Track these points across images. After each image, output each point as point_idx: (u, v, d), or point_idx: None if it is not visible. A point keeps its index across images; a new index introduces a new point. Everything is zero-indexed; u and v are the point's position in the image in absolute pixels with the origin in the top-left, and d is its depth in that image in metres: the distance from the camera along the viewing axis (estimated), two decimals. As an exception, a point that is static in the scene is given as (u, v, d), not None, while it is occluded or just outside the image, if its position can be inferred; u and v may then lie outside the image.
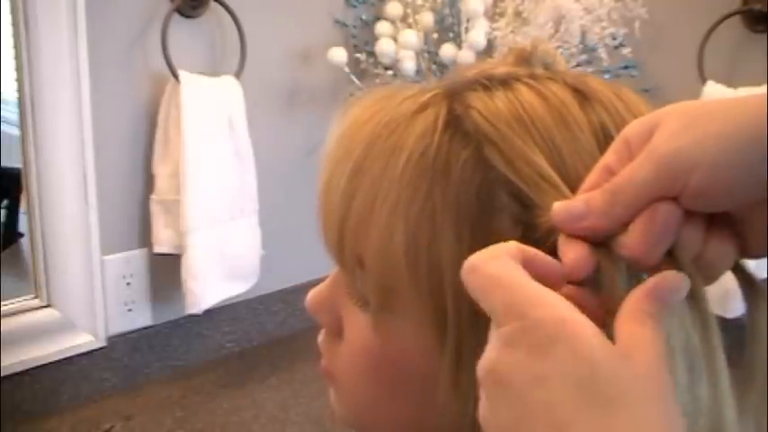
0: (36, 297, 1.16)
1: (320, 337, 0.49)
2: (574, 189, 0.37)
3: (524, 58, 0.45)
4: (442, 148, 0.39)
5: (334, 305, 0.46)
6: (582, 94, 0.41)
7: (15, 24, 1.06)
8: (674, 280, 0.33)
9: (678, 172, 0.32)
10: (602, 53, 1.32)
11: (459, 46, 1.35)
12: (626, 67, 1.34)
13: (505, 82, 0.42)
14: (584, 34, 1.31)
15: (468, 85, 0.42)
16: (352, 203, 0.42)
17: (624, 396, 0.30)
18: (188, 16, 1.24)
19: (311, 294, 0.48)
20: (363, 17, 1.44)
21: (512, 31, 1.34)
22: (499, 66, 0.44)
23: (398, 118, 0.41)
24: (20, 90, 1.09)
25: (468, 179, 0.39)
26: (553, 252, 0.36)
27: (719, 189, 0.33)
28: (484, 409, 0.33)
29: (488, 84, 0.42)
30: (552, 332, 0.31)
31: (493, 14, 1.38)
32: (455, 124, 0.40)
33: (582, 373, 0.31)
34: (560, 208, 0.36)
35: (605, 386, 0.30)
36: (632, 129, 0.36)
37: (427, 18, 1.36)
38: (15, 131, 1.12)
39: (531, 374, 0.31)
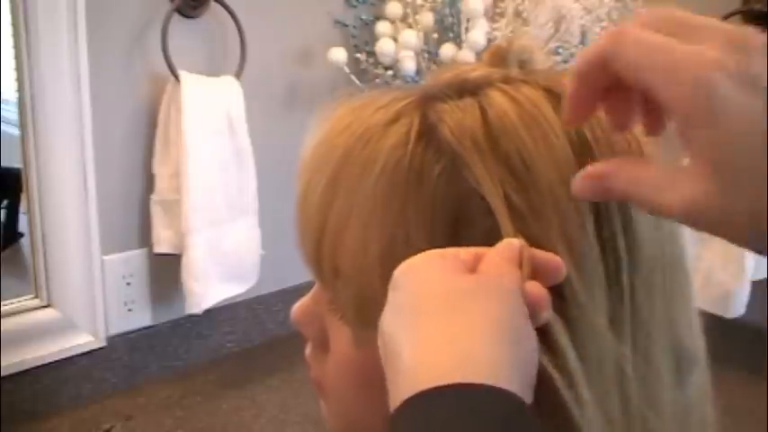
0: (36, 297, 1.16)
1: (307, 350, 0.48)
2: (545, 199, 0.38)
3: (500, 56, 0.44)
4: (415, 160, 0.39)
5: (318, 318, 0.46)
6: (556, 96, 0.40)
7: (15, 24, 1.06)
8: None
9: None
10: (602, 53, 1.32)
11: (459, 46, 1.35)
12: (626, 67, 1.34)
13: (479, 87, 0.41)
14: (584, 34, 1.32)
15: (442, 92, 0.42)
16: (327, 216, 0.42)
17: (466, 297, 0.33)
18: (188, 16, 1.24)
19: (295, 307, 0.48)
20: (363, 17, 1.44)
21: (512, 31, 1.34)
22: (474, 68, 0.44)
23: (372, 128, 0.41)
24: (20, 90, 1.09)
25: (441, 191, 0.39)
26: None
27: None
28: None
29: (461, 90, 0.41)
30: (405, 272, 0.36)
31: (493, 14, 1.38)
32: (428, 135, 0.40)
33: (416, 292, 0.34)
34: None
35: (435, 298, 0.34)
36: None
37: (427, 18, 1.36)
38: (15, 131, 1.12)
39: (389, 314, 0.35)
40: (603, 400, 0.37)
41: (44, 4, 1.05)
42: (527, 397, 0.31)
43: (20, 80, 1.08)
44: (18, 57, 1.07)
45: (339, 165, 0.41)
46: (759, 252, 0.32)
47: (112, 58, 1.17)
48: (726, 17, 1.26)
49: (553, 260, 0.36)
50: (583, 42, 1.32)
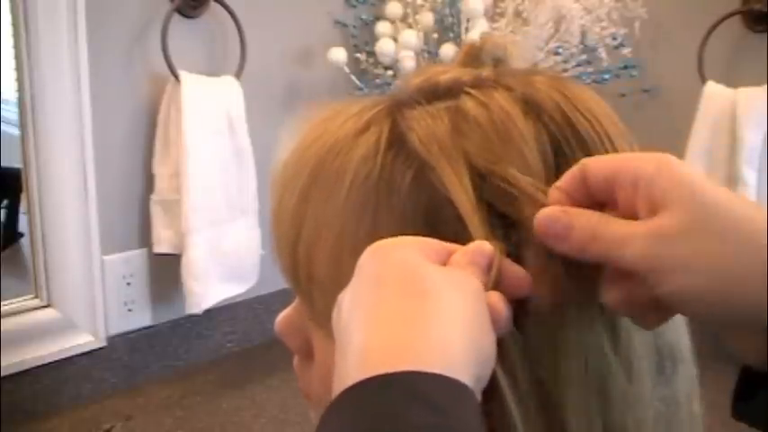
0: (36, 297, 1.16)
1: (294, 361, 0.48)
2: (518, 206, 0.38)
3: (474, 54, 0.44)
4: (384, 170, 0.39)
5: (301, 328, 0.46)
6: (526, 101, 0.40)
7: (15, 24, 1.06)
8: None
9: (661, 274, 0.33)
10: (602, 53, 1.32)
11: (459, 46, 1.35)
12: (626, 67, 1.35)
13: (449, 92, 0.41)
14: (584, 34, 1.32)
15: (412, 98, 0.41)
16: (301, 228, 0.41)
17: (435, 290, 0.33)
18: (188, 16, 1.24)
19: (279, 319, 0.48)
20: (363, 17, 1.44)
21: (512, 31, 1.34)
22: (446, 70, 0.43)
23: (342, 140, 0.41)
24: (20, 90, 1.09)
25: (413, 200, 0.38)
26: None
27: (685, 308, 0.34)
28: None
29: (431, 96, 0.41)
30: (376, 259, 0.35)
31: (493, 14, 1.38)
32: (398, 143, 0.40)
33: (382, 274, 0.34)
34: (544, 219, 0.36)
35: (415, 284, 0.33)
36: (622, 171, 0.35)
37: (427, 18, 1.36)
38: (15, 131, 1.12)
39: (350, 291, 0.35)
40: (585, 403, 0.37)
41: (44, 4, 1.05)
42: (477, 394, 0.31)
43: (20, 80, 1.08)
44: (18, 57, 1.07)
45: (311, 177, 0.41)
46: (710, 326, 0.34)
47: (112, 58, 1.17)
48: (726, 17, 1.26)
49: (519, 273, 0.36)
50: (583, 42, 1.33)
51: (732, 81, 1.25)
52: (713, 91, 1.25)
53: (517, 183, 0.37)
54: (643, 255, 0.33)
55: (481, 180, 0.38)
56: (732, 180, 1.22)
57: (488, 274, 0.35)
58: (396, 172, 0.39)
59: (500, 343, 0.34)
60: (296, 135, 0.44)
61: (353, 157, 0.40)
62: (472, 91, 0.40)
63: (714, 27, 1.27)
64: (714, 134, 1.23)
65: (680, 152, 1.25)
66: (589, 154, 0.38)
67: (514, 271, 0.36)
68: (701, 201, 0.33)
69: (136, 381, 1.26)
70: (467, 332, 0.32)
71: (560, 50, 1.33)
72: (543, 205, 0.36)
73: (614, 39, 1.32)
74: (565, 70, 1.33)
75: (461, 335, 0.32)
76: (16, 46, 1.07)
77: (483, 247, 0.35)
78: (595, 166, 0.36)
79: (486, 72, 0.42)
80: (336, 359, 0.33)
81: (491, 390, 0.34)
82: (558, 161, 0.38)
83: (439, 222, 0.38)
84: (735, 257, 0.32)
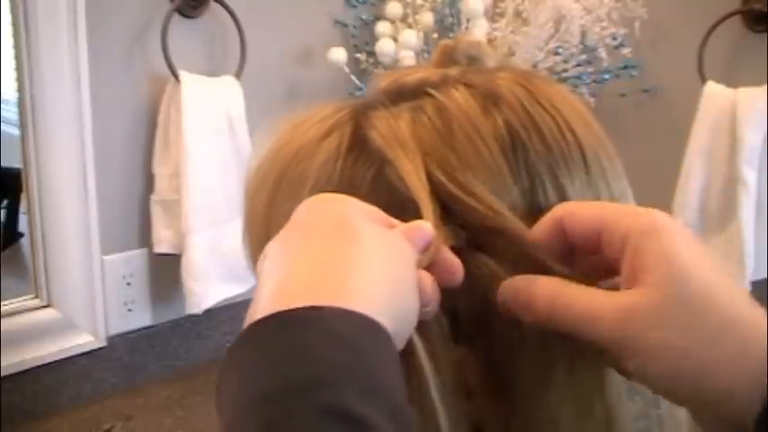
0: (36, 297, 1.16)
1: None
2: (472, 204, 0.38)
3: (448, 54, 0.44)
4: (345, 173, 0.39)
5: None
6: (487, 97, 0.40)
7: (15, 24, 1.06)
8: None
9: (629, 353, 0.33)
10: (602, 53, 1.32)
11: (459, 46, 1.35)
12: (626, 67, 1.35)
13: (413, 93, 0.41)
14: (584, 34, 1.32)
15: (377, 99, 0.42)
16: (269, 234, 0.42)
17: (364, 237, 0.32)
18: (188, 16, 1.24)
19: None
20: (363, 17, 1.44)
21: (512, 31, 1.34)
22: (415, 71, 0.44)
23: (306, 145, 0.41)
24: (20, 90, 1.09)
25: (374, 199, 0.38)
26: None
27: (651, 386, 0.34)
28: None
29: (396, 97, 0.41)
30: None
31: (493, 14, 1.38)
32: (360, 145, 0.40)
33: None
34: (507, 289, 0.36)
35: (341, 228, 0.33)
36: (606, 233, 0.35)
37: (427, 18, 1.36)
38: (15, 131, 1.12)
39: (281, 234, 0.34)
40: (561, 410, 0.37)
41: (44, 4, 1.05)
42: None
43: (20, 80, 1.08)
44: (18, 57, 1.07)
45: (276, 183, 0.42)
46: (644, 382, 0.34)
47: (112, 58, 1.17)
48: (726, 17, 1.26)
49: (454, 262, 0.36)
50: (583, 42, 1.33)
51: (732, 81, 1.25)
52: (713, 91, 1.25)
53: (470, 190, 0.37)
54: (612, 335, 0.33)
55: (438, 178, 0.38)
56: (732, 180, 1.22)
57: (423, 254, 0.35)
58: (356, 174, 0.39)
59: (425, 324, 0.34)
60: (266, 141, 0.45)
61: (315, 162, 0.40)
62: (433, 91, 0.41)
63: (714, 27, 1.27)
64: (714, 134, 1.23)
65: (680, 152, 1.25)
66: (546, 144, 0.39)
67: (449, 259, 0.36)
68: (684, 286, 0.32)
69: (136, 381, 1.26)
70: (391, 284, 0.31)
71: (560, 50, 1.33)
72: (486, 216, 0.37)
73: (614, 39, 1.32)
74: (565, 70, 1.33)
75: (385, 284, 0.31)
76: (16, 46, 1.07)
77: (423, 226, 0.35)
78: (574, 220, 0.35)
79: (453, 71, 0.43)
80: (252, 302, 0.32)
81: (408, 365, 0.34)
82: (516, 149, 0.39)
83: (402, 219, 0.38)
84: (707, 348, 0.31)
